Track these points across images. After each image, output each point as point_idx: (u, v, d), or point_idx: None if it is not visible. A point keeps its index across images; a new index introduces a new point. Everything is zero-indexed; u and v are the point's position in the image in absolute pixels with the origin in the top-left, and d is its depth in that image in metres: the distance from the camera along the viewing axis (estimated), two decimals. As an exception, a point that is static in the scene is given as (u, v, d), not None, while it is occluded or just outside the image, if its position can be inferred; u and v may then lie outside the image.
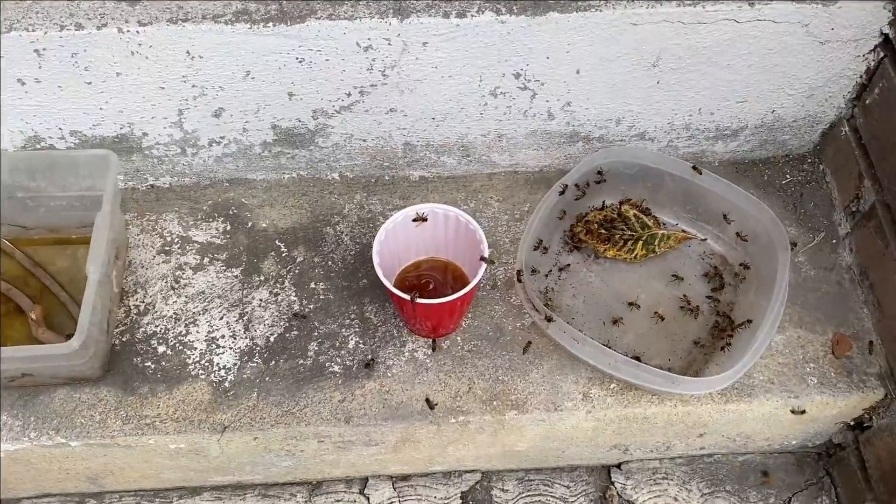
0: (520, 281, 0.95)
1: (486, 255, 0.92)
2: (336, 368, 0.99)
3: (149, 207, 1.12)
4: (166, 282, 1.05)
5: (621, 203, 1.09)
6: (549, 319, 0.93)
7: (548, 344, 1.01)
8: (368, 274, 1.05)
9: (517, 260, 0.97)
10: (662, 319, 1.02)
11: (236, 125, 1.04)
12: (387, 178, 1.14)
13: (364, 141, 1.08)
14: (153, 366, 0.99)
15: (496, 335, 1.02)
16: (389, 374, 0.99)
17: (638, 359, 0.95)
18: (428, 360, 1.00)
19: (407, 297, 0.89)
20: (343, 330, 1.02)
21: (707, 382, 0.90)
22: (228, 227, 1.10)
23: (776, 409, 1.00)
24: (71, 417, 0.95)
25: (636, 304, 1.03)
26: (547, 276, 1.05)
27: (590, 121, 1.07)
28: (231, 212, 1.11)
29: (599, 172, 1.06)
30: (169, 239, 1.09)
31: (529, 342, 0.98)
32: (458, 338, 1.02)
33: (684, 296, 1.03)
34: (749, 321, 0.96)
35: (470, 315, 1.03)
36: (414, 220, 0.96)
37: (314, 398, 0.97)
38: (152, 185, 1.13)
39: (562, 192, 1.02)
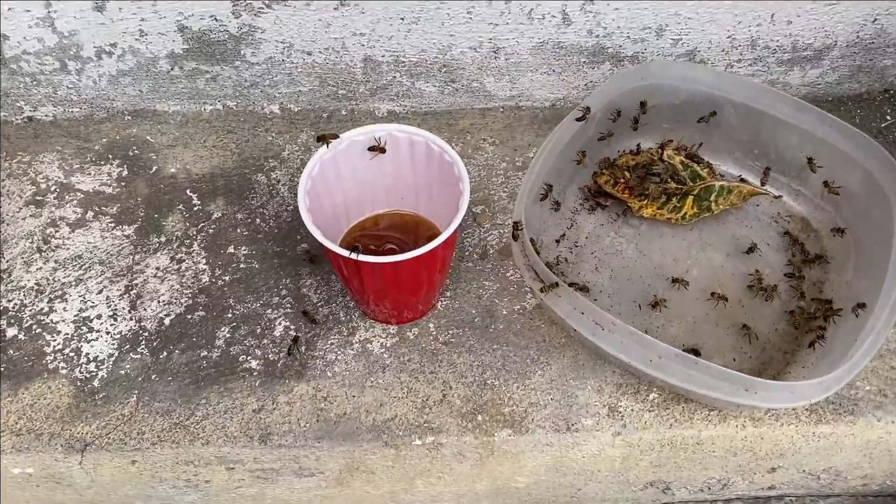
0: (517, 238, 0.65)
1: (467, 194, 0.62)
2: (253, 364, 0.69)
3: (23, 146, 0.83)
4: (32, 242, 0.76)
5: (662, 146, 0.79)
6: (582, 289, 0.63)
7: (558, 333, 0.71)
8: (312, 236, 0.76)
9: (515, 210, 0.67)
10: (724, 302, 0.71)
11: (129, 26, 0.75)
12: (343, 111, 0.85)
13: (309, 54, 0.79)
14: (-4, 356, 0.70)
15: (485, 322, 0.72)
16: (330, 374, 0.69)
17: (696, 353, 0.65)
18: (386, 355, 0.70)
19: (346, 253, 0.60)
20: (269, 311, 0.72)
21: (799, 390, 0.59)
22: (125, 173, 0.81)
23: (888, 433, 0.69)
24: None
25: (683, 280, 0.72)
26: (559, 241, 0.75)
27: (620, 29, 0.78)
28: (131, 153, 0.83)
29: (643, 105, 0.76)
30: (43, 186, 0.80)
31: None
32: (431, 324, 0.72)
33: (756, 271, 0.73)
34: (861, 305, 0.65)
35: (449, 293, 0.73)
36: (370, 150, 0.67)
37: (218, 406, 0.67)
38: (30, 118, 0.84)
39: (582, 119, 0.72)
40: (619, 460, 0.70)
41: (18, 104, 0.82)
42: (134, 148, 0.83)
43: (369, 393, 0.68)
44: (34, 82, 0.80)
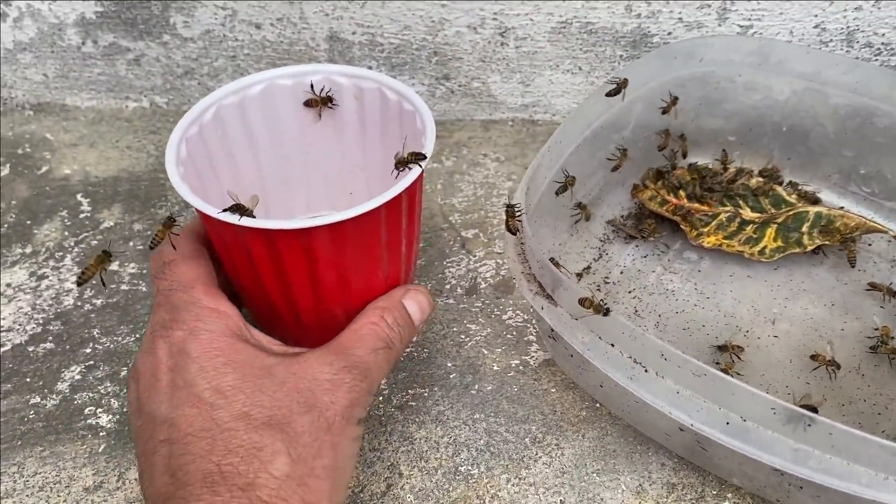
0: (513, 229, 0.42)
1: (430, 144, 0.40)
2: (103, 420, 0.45)
3: None
4: None
5: (724, 161, 0.57)
6: (604, 312, 0.39)
7: (577, 401, 0.46)
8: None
9: (517, 193, 0.45)
10: (834, 369, 0.46)
11: (26, -27, 0.59)
12: (303, 115, 0.65)
13: (258, 27, 0.61)
14: None
15: (465, 380, 0.47)
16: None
17: (812, 410, 0.39)
18: (308, 420, 0.45)
19: (221, 215, 0.37)
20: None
21: None
22: (5, 172, 0.61)
23: None
24: None
25: (750, 337, 0.48)
26: (581, 275, 0.52)
27: (670, 5, 0.58)
28: (21, 151, 0.63)
29: (673, 102, 0.55)
30: None
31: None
32: (383, 379, 0.48)
33: (884, 327, 0.48)
34: None
35: (415, 336, 0.50)
36: (307, 106, 0.46)
37: (34, 478, 0.42)
38: None
39: (614, 93, 0.51)
40: None
41: None
42: (26, 146, 0.64)
43: (272, 474, 0.43)
44: (-89, 56, 0.63)
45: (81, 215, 0.58)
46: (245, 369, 0.36)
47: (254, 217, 0.37)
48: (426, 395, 0.47)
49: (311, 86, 0.45)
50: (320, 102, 0.45)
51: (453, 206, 0.59)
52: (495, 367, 0.48)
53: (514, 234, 0.42)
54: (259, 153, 0.46)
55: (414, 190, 0.40)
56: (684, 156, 0.58)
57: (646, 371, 0.37)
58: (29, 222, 0.57)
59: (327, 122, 0.46)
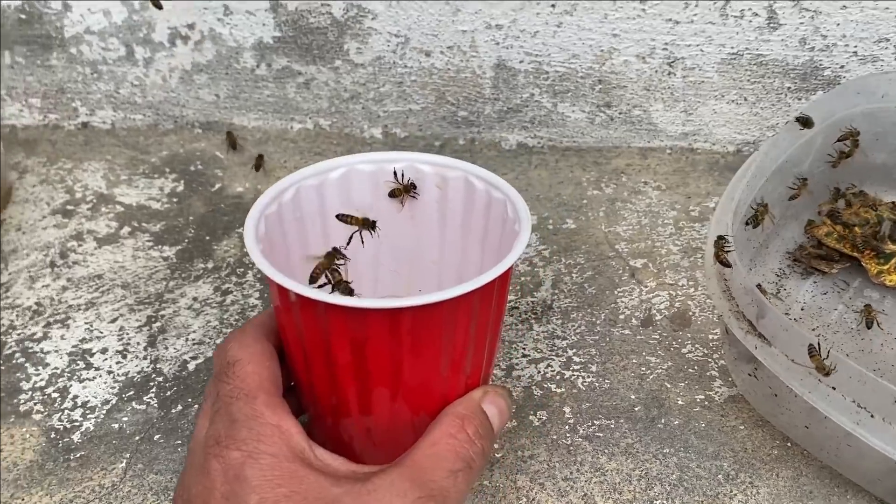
0: (724, 262, 0.42)
1: (525, 235, 0.38)
2: (301, 435, 0.47)
3: (68, 153, 0.68)
4: (46, 255, 0.59)
5: (904, 200, 0.56)
6: (826, 372, 0.38)
7: (767, 440, 0.45)
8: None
9: (713, 221, 0.45)
10: None
11: (213, -1, 0.61)
12: (462, 140, 0.66)
13: (427, 55, 0.62)
14: (-44, 388, 0.50)
15: (650, 413, 0.48)
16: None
17: None
18: (495, 445, 0.46)
19: (306, 292, 0.35)
20: (334, 366, 0.51)
21: None
22: (180, 188, 0.64)
23: None
24: None
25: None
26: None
27: (846, 39, 0.58)
28: (193, 167, 0.66)
29: (854, 138, 0.54)
30: (79, 196, 0.64)
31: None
32: (566, 408, 0.48)
33: None
34: None
35: (594, 366, 0.50)
36: (392, 196, 0.44)
37: (240, 490, 0.45)
38: (84, 124, 0.69)
39: (804, 125, 0.50)
40: None
41: (73, 104, 0.68)
42: (198, 163, 0.66)
43: (467, 498, 0.44)
44: (94, 74, 0.66)
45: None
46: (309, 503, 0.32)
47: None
48: (612, 426, 0.47)
49: (395, 173, 0.43)
50: (403, 190, 0.44)
51: (618, 234, 0.59)
52: (680, 402, 0.48)
53: (729, 267, 0.42)
54: (330, 238, 0.44)
55: (507, 277, 0.39)
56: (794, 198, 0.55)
57: (871, 416, 0.37)
58: (208, 238, 0.60)
59: (405, 212, 0.45)
